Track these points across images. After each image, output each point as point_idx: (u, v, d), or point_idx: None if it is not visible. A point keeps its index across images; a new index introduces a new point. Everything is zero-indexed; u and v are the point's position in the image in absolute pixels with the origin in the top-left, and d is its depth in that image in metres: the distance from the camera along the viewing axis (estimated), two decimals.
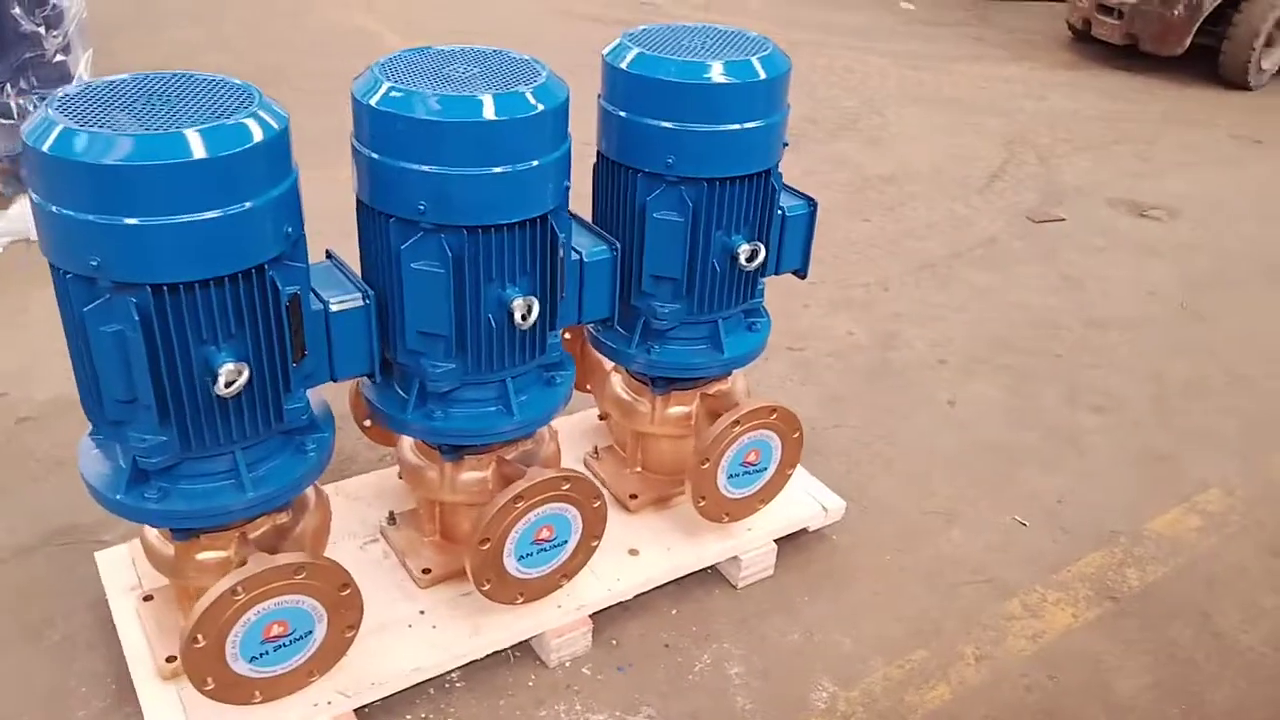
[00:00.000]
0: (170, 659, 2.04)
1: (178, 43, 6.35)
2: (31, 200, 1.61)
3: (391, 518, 2.43)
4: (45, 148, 1.52)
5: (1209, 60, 7.11)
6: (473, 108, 1.78)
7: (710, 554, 2.48)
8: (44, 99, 1.69)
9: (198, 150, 1.54)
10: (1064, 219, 4.85)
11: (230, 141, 1.57)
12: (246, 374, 1.67)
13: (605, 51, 2.15)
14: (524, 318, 1.91)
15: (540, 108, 1.83)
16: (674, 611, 2.45)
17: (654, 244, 2.17)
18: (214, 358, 1.67)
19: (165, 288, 1.59)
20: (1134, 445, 3.22)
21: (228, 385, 1.66)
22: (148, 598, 2.19)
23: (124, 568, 2.29)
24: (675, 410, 2.48)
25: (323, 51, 6.41)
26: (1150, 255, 4.57)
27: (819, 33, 7.63)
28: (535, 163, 1.84)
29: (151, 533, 2.02)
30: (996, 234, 4.61)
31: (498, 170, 1.80)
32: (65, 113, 1.56)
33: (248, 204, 1.61)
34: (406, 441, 2.29)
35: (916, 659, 2.39)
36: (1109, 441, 3.23)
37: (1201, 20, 6.86)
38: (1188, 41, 6.96)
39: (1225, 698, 2.34)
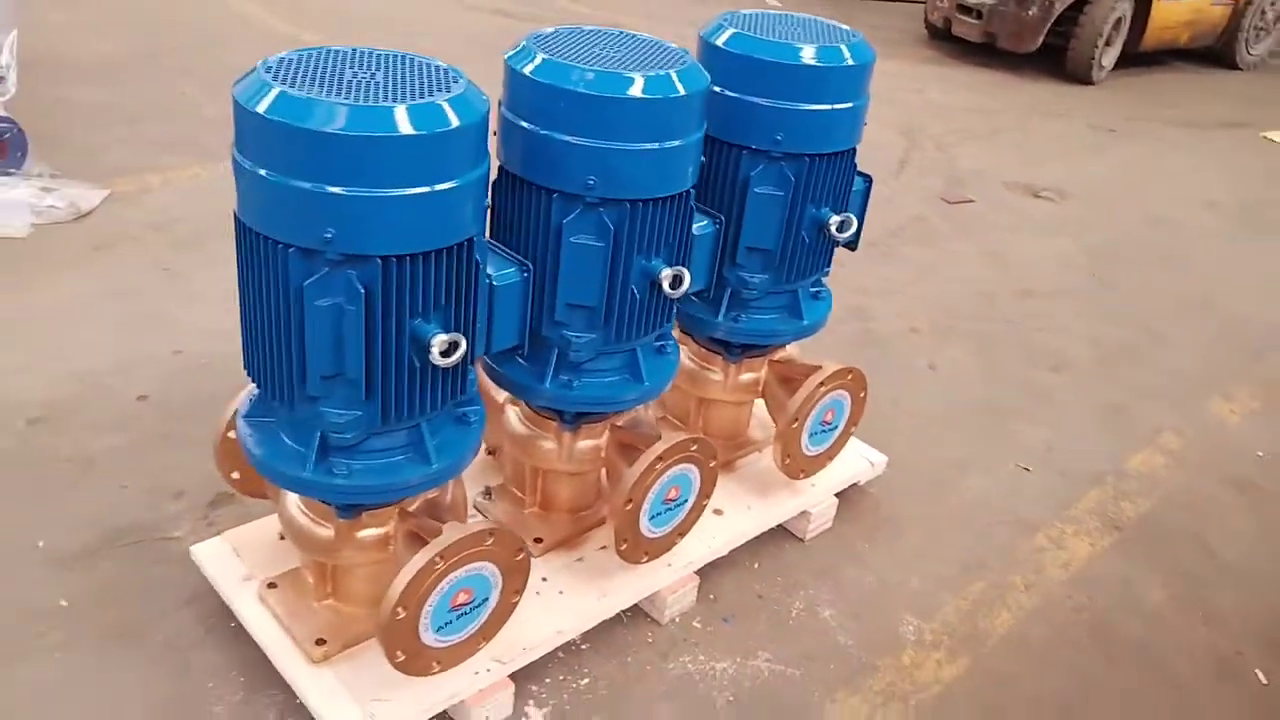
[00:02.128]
0: (320, 641, 2.03)
1: (48, 27, 5.94)
2: (248, 173, 1.60)
3: (487, 492, 2.47)
4: (287, 119, 1.51)
5: (1057, 58, 7.83)
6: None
7: (787, 510, 2.64)
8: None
9: (453, 120, 1.57)
10: (973, 200, 5.28)
11: (468, 113, 1.61)
12: (464, 345, 1.71)
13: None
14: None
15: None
16: (755, 566, 2.60)
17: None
18: (422, 330, 1.70)
19: (394, 259, 1.62)
20: (1093, 399, 3.60)
21: (444, 355, 1.69)
22: (272, 585, 2.15)
23: (227, 559, 2.24)
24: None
25: (201, 37, 6.18)
26: (1052, 232, 5.04)
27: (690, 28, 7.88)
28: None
29: (301, 515, 2.00)
30: (922, 214, 4.98)
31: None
32: (296, 82, 1.56)
33: (467, 178, 1.65)
34: (512, 414, 2.33)
35: (976, 590, 2.63)
36: (1073, 396, 3.60)
37: (1052, 20, 7.55)
38: (1040, 40, 7.64)
39: (1230, 603, 2.70)
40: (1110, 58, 7.94)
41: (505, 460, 2.50)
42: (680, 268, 2.03)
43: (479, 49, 6.66)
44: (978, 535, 2.84)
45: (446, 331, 1.71)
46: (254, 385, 1.91)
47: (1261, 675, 2.48)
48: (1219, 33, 8.70)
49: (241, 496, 2.51)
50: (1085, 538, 2.88)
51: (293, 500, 2.03)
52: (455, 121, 1.60)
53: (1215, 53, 8.92)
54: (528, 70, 1.90)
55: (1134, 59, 8.26)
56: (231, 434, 2.17)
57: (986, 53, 7.99)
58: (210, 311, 3.35)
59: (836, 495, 2.76)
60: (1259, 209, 5.75)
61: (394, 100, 1.56)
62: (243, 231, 1.68)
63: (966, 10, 7.85)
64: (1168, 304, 4.39)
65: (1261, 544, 2.95)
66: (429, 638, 1.89)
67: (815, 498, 2.69)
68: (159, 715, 2.03)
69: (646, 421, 2.41)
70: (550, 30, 2.02)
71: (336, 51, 1.71)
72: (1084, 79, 7.83)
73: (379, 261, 1.61)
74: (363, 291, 1.62)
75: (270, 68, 1.62)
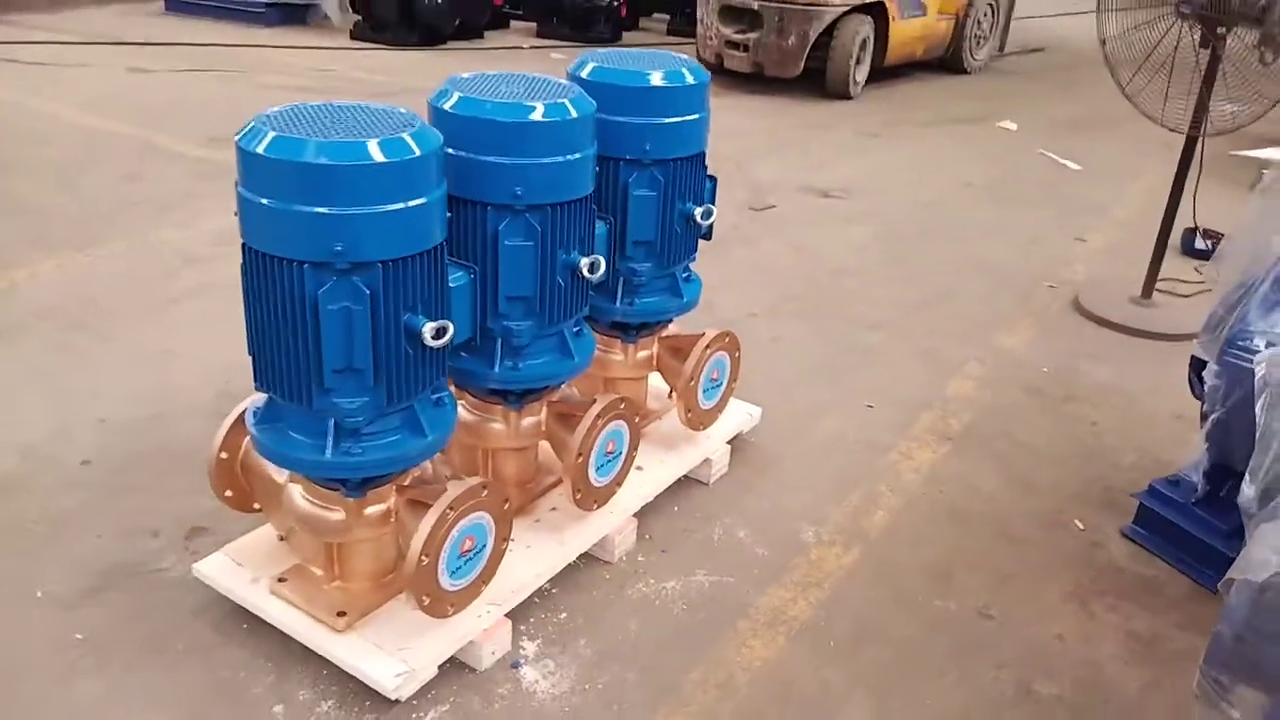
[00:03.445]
0: (341, 614, 2.35)
1: None
2: (260, 206, 1.95)
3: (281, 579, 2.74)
4: (301, 158, 1.89)
5: (818, 79, 8.82)
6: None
7: (693, 459, 3.13)
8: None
9: (416, 151, 1.99)
10: (775, 205, 6.01)
11: (428, 144, 2.03)
12: (451, 329, 2.11)
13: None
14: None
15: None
16: (675, 508, 3.07)
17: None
18: (414, 322, 2.10)
19: (391, 263, 2.01)
20: (908, 347, 4.29)
21: (436, 338, 2.09)
22: (282, 579, 2.45)
23: (231, 570, 2.51)
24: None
25: (17, 137, 6.19)
26: (847, 223, 5.82)
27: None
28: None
29: (310, 505, 2.32)
30: (736, 222, 5.64)
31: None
32: (297, 128, 1.94)
33: (436, 193, 2.07)
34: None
35: (853, 499, 3.20)
36: (892, 347, 4.28)
37: (809, 47, 8.53)
38: (801, 65, 8.61)
39: (1044, 478, 3.39)
40: (862, 74, 9.02)
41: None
42: (597, 256, 2.50)
43: None
44: (844, 459, 3.42)
45: (431, 321, 2.11)
46: (262, 396, 2.25)
47: (1079, 523, 3.16)
48: (947, 44, 10.02)
49: (213, 528, 2.79)
50: (927, 449, 3.52)
51: (298, 496, 2.35)
52: (418, 151, 2.02)
53: (946, 61, 10.24)
54: (448, 107, 2.34)
55: (881, 73, 9.39)
56: (224, 455, 2.46)
57: (757, 81, 8.90)
58: (120, 381, 3.55)
59: (728, 443, 3.28)
60: (1003, 186, 6.77)
61: (374, 137, 1.97)
62: (254, 258, 2.02)
63: (734, 45, 8.73)
64: (949, 267, 5.20)
65: (1057, 433, 3.68)
66: (445, 582, 2.26)
67: (713, 447, 3.20)
68: (206, 703, 2.29)
69: (575, 395, 2.85)
70: (467, 75, 2.46)
71: (311, 106, 2.10)
72: (843, 95, 8.86)
73: (379, 266, 2.00)
74: (368, 293, 2.01)
75: (267, 121, 2.00)
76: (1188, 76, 4.35)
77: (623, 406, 2.68)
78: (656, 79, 2.72)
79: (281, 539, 2.54)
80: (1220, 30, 4.14)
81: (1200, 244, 5.47)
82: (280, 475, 2.43)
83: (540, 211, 2.39)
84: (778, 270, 5.03)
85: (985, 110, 8.89)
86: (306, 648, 2.38)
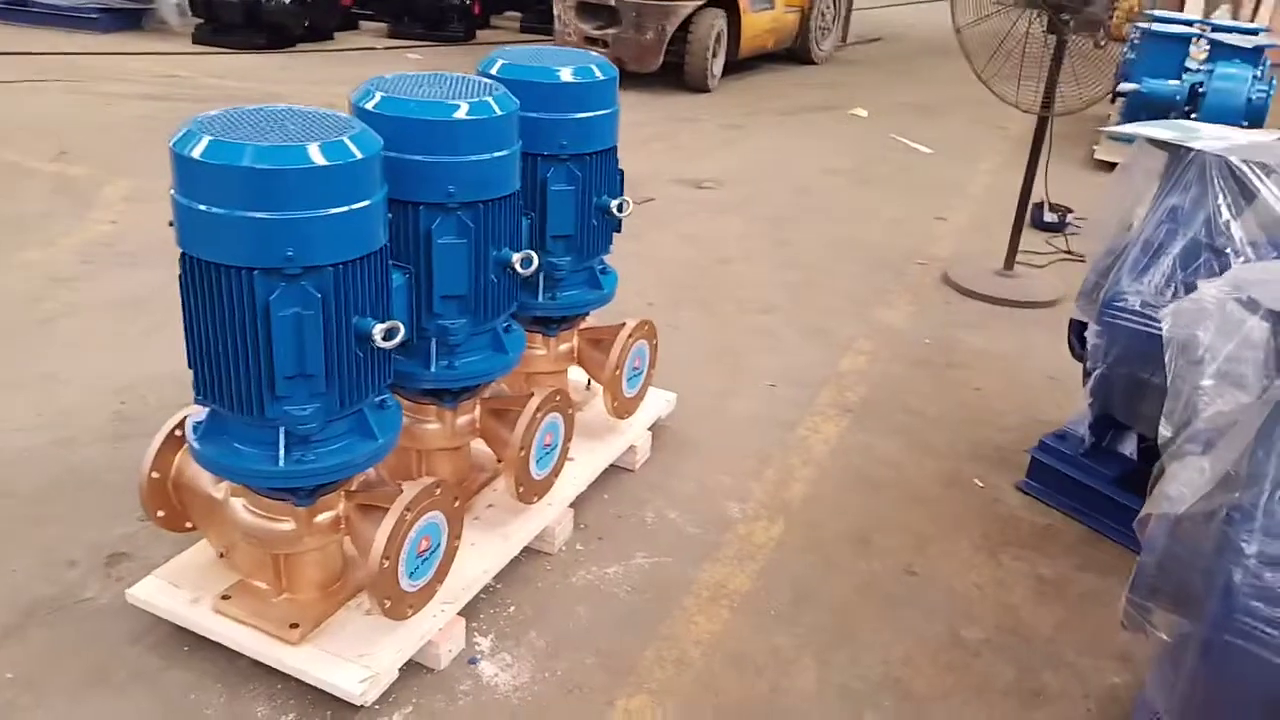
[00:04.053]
0: (293, 625, 2.31)
1: None
2: (204, 214, 1.91)
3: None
4: (245, 163, 1.86)
5: (677, 73, 9.00)
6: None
7: (620, 446, 3.20)
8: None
9: (358, 154, 1.98)
10: (654, 199, 6.12)
11: (372, 145, 2.03)
12: (402, 330, 2.10)
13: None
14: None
15: None
16: (606, 496, 3.13)
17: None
18: (363, 324, 2.09)
19: (341, 266, 2.00)
20: (799, 327, 4.47)
21: (386, 339, 2.08)
22: (225, 596, 2.39)
23: (168, 592, 2.43)
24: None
25: None
26: (724, 212, 5.99)
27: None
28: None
29: (257, 517, 2.27)
30: None
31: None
32: (235, 133, 1.91)
33: (380, 194, 2.07)
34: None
35: (771, 474, 3.33)
36: (784, 329, 4.45)
37: (667, 42, 8.69)
38: (660, 60, 8.76)
39: (940, 440, 3.61)
40: (718, 67, 9.24)
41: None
42: (528, 251, 2.53)
43: (143, 133, 6.63)
44: (757, 438, 3.55)
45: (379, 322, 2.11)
46: (202, 410, 2.19)
47: (978, 481, 3.38)
48: (795, 35, 10.38)
49: (133, 552, 2.71)
50: (830, 422, 3.69)
51: (242, 509, 2.30)
52: (363, 153, 2.01)
53: (795, 52, 10.61)
54: (371, 107, 2.32)
55: (736, 66, 9.64)
56: (156, 475, 2.39)
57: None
58: (5, 410, 3.36)
59: (649, 430, 3.36)
60: (863, 170, 7.09)
61: (318, 139, 1.95)
62: (196, 267, 1.97)
63: (593, 41, 8.81)
64: (826, 250, 5.43)
65: (946, 399, 3.92)
66: (405, 583, 2.26)
67: (636, 434, 3.27)
68: None
69: (505, 391, 2.87)
70: (389, 76, 2.46)
71: (245, 110, 2.06)
72: (702, 88, 9.06)
73: (330, 270, 1.99)
74: (319, 297, 1.99)
75: (204, 125, 1.95)
76: (1038, 61, 4.68)
77: (559, 399, 2.73)
78: (568, 75, 2.78)
79: (221, 555, 2.47)
80: (1065, 17, 4.48)
81: (1049, 217, 5.86)
82: (219, 490, 2.37)
83: (473, 209, 2.40)
84: (667, 260, 5.14)
85: (836, 98, 9.25)
86: (255, 664, 2.34)
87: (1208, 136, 2.98)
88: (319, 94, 7.64)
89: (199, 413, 2.25)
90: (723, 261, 5.19)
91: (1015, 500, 3.29)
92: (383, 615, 2.25)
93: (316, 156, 1.93)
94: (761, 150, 7.47)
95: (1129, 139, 7.26)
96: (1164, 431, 1.93)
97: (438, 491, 2.28)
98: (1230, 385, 1.86)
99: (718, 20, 8.92)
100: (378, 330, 2.08)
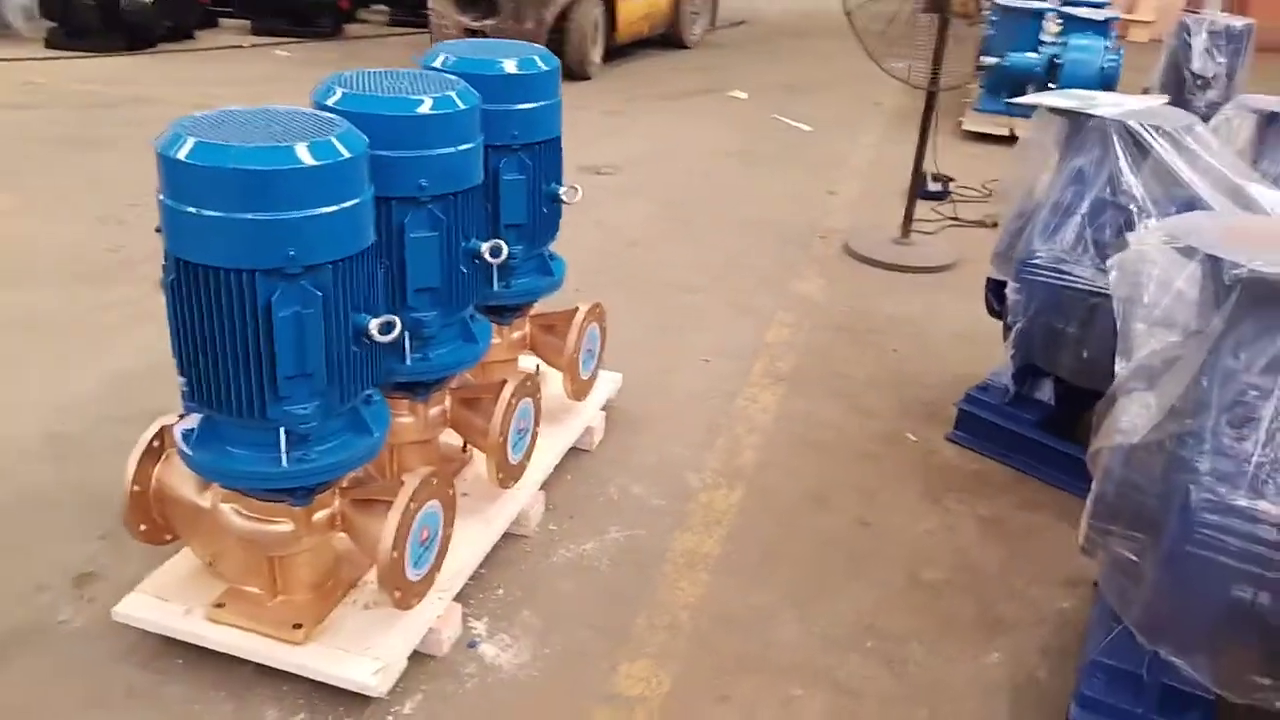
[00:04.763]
0: (297, 626, 2.31)
1: None
2: (192, 216, 1.89)
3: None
4: (245, 165, 1.86)
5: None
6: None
7: (578, 428, 3.27)
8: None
9: (350, 152, 2.00)
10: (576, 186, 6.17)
11: (360, 145, 2.05)
12: (398, 324, 2.13)
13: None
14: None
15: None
16: (569, 477, 3.21)
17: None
18: (360, 319, 2.11)
19: (340, 263, 2.02)
20: (723, 303, 4.62)
21: (383, 333, 2.11)
22: (219, 605, 2.37)
23: (157, 606, 2.39)
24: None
25: None
26: (628, 197, 6.10)
27: (238, 86, 8.00)
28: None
29: (251, 522, 2.26)
30: None
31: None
32: (224, 134, 1.91)
33: (368, 194, 2.09)
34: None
35: (722, 444, 3.47)
36: (709, 306, 4.60)
37: (548, 30, 8.71)
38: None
39: (872, 401, 3.81)
40: (598, 54, 9.33)
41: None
42: (496, 240, 2.58)
43: (20, 143, 6.32)
44: (702, 410, 3.68)
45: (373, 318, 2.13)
46: (191, 418, 2.17)
47: (911, 435, 3.59)
48: (669, 21, 10.54)
49: (100, 571, 2.66)
50: (768, 391, 3.85)
51: (235, 515, 2.28)
52: (352, 151, 2.03)
53: (670, 38, 10.76)
54: (333, 103, 2.33)
55: (615, 52, 9.74)
56: (137, 488, 2.35)
57: None
58: None
59: (602, 410, 3.45)
60: (752, 151, 7.29)
61: (313, 138, 1.97)
62: (189, 271, 1.96)
63: (473, 33, 8.75)
64: (732, 228, 5.60)
65: (869, 363, 4.13)
66: (411, 574, 2.29)
67: (590, 415, 3.35)
68: None
69: (471, 381, 2.91)
70: (348, 73, 2.46)
71: (228, 111, 2.05)
72: (583, 75, 9.13)
73: (330, 267, 2.01)
74: (320, 295, 2.01)
75: (190, 128, 1.94)
76: (923, 41, 4.95)
77: (529, 384, 2.79)
78: (513, 66, 2.83)
79: (210, 564, 2.44)
80: None
81: (932, 186, 6.18)
82: (205, 499, 2.35)
83: (444, 201, 2.44)
84: (582, 245, 5.18)
85: (714, 81, 9.46)
86: (256, 668, 2.34)
87: (1105, 104, 3.25)
88: (191, 95, 7.37)
89: (183, 421, 2.23)
90: (634, 244, 5.30)
91: (948, 451, 3.52)
92: (393, 607, 2.28)
93: (314, 156, 1.94)
94: (651, 134, 7.59)
95: (1000, 110, 7.67)
96: (1118, 370, 2.13)
97: (435, 481, 2.32)
98: (1170, 326, 2.08)
99: (595, 8, 9.00)
100: (374, 325, 2.10)
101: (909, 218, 5.38)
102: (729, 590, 2.77)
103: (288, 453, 2.11)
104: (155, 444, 2.37)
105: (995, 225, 5.84)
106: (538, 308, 3.34)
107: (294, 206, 1.92)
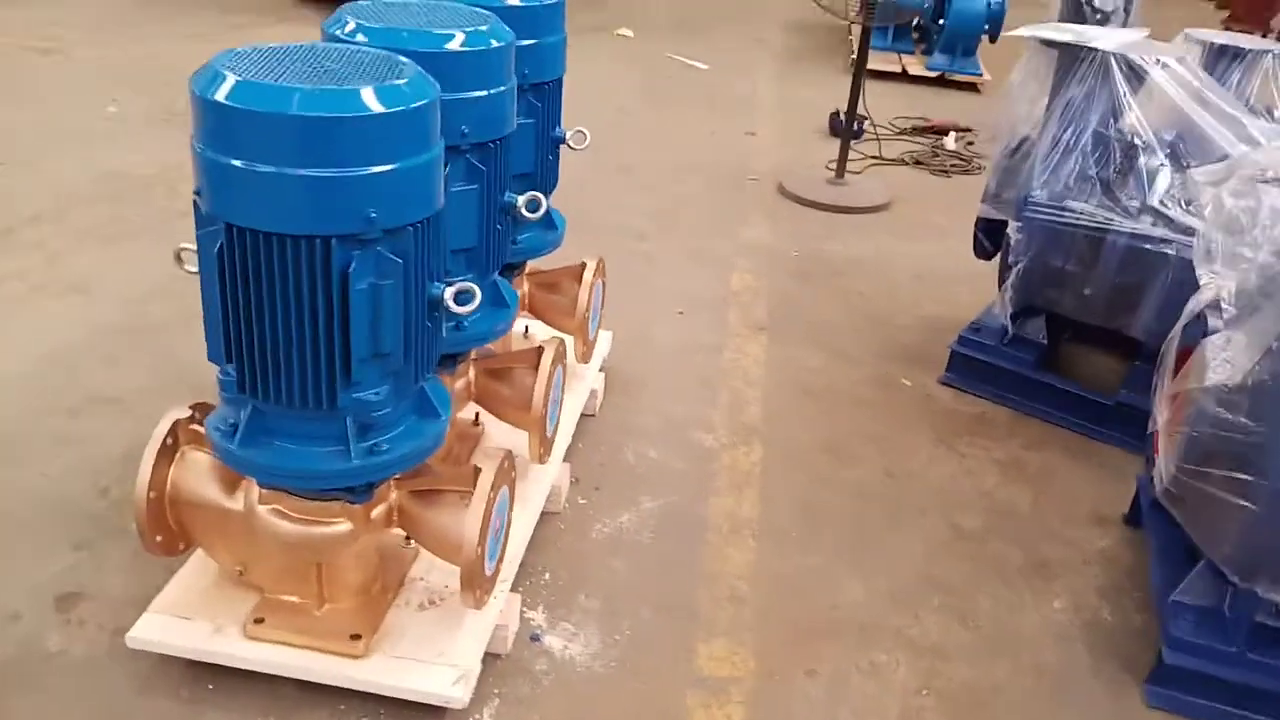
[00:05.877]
0: (355, 636, 2.05)
1: None
2: (250, 174, 1.59)
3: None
4: (320, 111, 1.56)
5: None
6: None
7: (583, 395, 3.05)
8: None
9: (430, 94, 1.72)
10: None
11: (431, 88, 1.76)
12: (478, 291, 1.87)
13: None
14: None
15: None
16: (580, 446, 3.00)
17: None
18: (434, 288, 1.84)
19: (421, 224, 1.74)
20: (679, 253, 4.43)
21: (461, 303, 1.85)
22: (259, 620, 2.07)
23: (179, 627, 2.08)
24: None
25: None
26: None
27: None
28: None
29: (296, 526, 1.97)
30: None
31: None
32: (279, 75, 1.61)
33: (441, 144, 1.81)
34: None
35: (724, 399, 3.33)
36: (665, 255, 4.40)
37: None
38: None
39: (854, 346, 3.74)
40: None
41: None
42: (534, 193, 2.33)
43: None
44: (692, 366, 3.52)
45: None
46: (226, 411, 1.87)
47: (906, 380, 3.55)
48: None
49: (83, 590, 2.33)
50: (751, 341, 3.73)
51: (278, 519, 1.99)
52: (430, 95, 1.75)
53: None
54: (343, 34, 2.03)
55: None
56: (153, 494, 2.02)
57: None
58: None
59: (600, 371, 3.24)
60: (657, 92, 7.06)
61: (386, 80, 1.68)
62: (244, 240, 1.65)
63: None
64: (664, 172, 5.40)
65: (839, 307, 4.06)
66: (488, 568, 2.06)
67: (592, 378, 3.14)
68: None
69: (493, 350, 2.65)
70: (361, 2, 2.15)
71: (278, 48, 1.73)
72: None
73: (409, 231, 1.73)
74: (399, 263, 1.73)
75: (230, 65, 1.62)
76: None
77: (562, 349, 2.56)
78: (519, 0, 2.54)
79: (239, 574, 2.13)
80: None
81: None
82: (235, 501, 2.04)
83: (483, 150, 2.18)
84: None
85: (598, 20, 9.12)
86: (302, 686, 2.08)
87: (1098, 36, 3.22)
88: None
89: (214, 414, 1.92)
90: (578, 189, 5.02)
91: (944, 394, 3.49)
92: (471, 608, 2.05)
93: (385, 102, 1.65)
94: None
95: (888, 47, 7.69)
96: (1196, 313, 2.10)
97: (507, 465, 2.08)
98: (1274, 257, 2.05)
99: None
100: (449, 293, 1.84)
101: (844, 158, 5.32)
102: (778, 554, 2.65)
103: (356, 444, 1.84)
104: (169, 441, 2.03)
105: (918, 163, 5.92)
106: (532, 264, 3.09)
107: (383, 159, 1.63)
